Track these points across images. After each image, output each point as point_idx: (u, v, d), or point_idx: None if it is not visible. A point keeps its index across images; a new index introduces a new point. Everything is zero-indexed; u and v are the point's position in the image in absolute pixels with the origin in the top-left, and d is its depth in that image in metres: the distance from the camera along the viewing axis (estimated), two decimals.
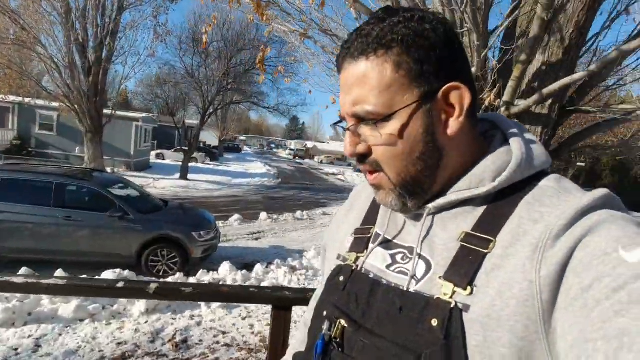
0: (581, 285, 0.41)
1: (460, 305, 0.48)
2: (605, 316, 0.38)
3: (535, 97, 2.13)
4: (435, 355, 0.47)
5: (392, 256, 0.59)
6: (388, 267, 0.58)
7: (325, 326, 0.58)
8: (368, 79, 0.52)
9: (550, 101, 2.25)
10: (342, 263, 0.65)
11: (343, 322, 0.57)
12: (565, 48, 2.14)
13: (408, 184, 0.56)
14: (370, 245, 0.63)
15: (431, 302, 0.50)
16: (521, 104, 2.20)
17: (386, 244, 0.61)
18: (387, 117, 0.52)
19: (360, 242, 0.65)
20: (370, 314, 0.55)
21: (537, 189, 0.52)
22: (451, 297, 0.49)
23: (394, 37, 0.51)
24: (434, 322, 0.48)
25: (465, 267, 0.50)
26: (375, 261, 0.61)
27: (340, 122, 0.60)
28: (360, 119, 0.54)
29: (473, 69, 2.32)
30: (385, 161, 0.55)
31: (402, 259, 0.58)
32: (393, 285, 0.56)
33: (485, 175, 0.54)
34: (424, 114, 0.53)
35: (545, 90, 2.08)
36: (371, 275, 0.59)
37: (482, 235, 0.51)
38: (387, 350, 0.51)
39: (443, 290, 0.50)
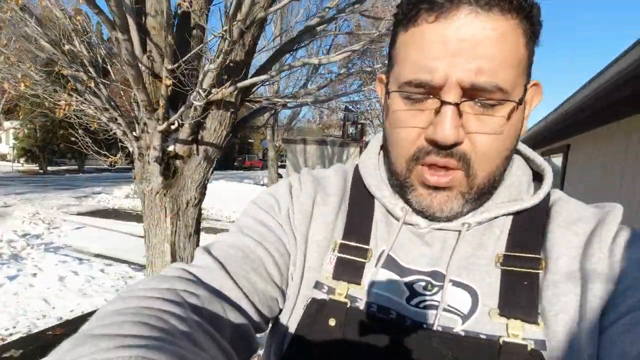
0: (617, 291, 0.40)
1: (532, 344, 0.40)
2: (633, 304, 0.38)
3: (231, 88, 2.72)
4: None
5: (409, 285, 0.46)
6: (408, 300, 0.46)
7: None
8: (505, 44, 0.39)
9: (236, 92, 2.93)
10: (326, 297, 0.48)
11: None
12: (246, 52, 2.85)
13: (489, 187, 0.46)
14: (373, 269, 0.48)
15: (496, 346, 0.41)
16: (220, 93, 2.72)
17: (397, 269, 0.48)
18: (516, 101, 0.41)
19: (352, 266, 0.48)
20: None
21: (556, 200, 0.49)
22: (523, 338, 0.41)
23: (530, 4, 0.40)
24: None
25: (524, 295, 0.42)
26: (390, 292, 0.46)
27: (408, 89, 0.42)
28: (473, 96, 0.40)
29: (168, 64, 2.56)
30: (483, 156, 0.42)
31: (426, 288, 0.46)
32: (425, 326, 0.44)
33: (522, 187, 0.49)
34: (522, 105, 0.43)
35: (240, 84, 2.71)
36: (392, 315, 0.45)
37: (526, 255, 0.44)
38: None
39: (510, 330, 0.41)
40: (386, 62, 0.52)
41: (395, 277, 0.47)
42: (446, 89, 0.40)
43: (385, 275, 0.47)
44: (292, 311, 0.50)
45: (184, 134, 2.87)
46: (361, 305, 0.46)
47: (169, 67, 2.44)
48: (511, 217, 0.48)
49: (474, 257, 0.46)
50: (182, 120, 2.74)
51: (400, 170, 0.47)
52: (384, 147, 0.51)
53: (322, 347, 0.44)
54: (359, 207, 0.52)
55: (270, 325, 0.53)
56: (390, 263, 0.48)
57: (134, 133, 2.96)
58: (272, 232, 0.51)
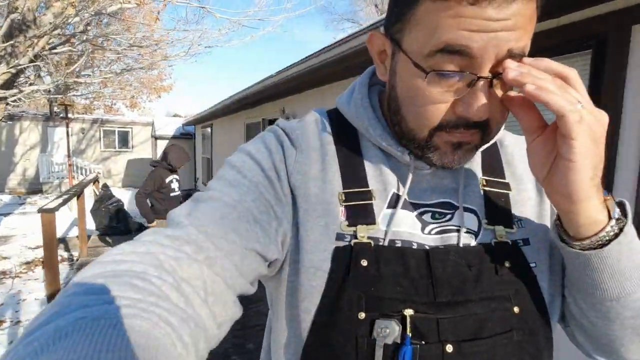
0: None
1: (517, 242, 0.52)
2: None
3: (15, 90, 2.35)
4: (519, 291, 0.49)
5: (419, 218, 0.52)
6: (422, 230, 0.52)
7: (384, 330, 0.46)
8: (531, 24, 0.42)
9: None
10: (349, 242, 0.50)
11: (409, 311, 0.46)
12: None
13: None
14: (388, 211, 0.52)
15: (493, 248, 0.51)
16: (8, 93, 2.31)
17: (407, 205, 0.53)
18: None
19: (363, 210, 0.52)
20: (429, 287, 0.48)
21: (502, 135, 0.60)
22: (507, 238, 0.52)
23: None
24: (507, 264, 0.50)
25: (503, 209, 0.54)
26: (408, 227, 0.51)
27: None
28: (499, 72, 0.43)
29: None
30: (499, 121, 0.48)
31: (434, 217, 0.53)
32: (442, 247, 0.50)
33: None
34: None
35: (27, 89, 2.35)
36: (414, 246, 0.50)
37: (498, 180, 0.56)
38: (481, 310, 0.47)
39: (498, 233, 0.52)
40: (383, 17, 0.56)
41: (408, 212, 0.52)
42: (483, 60, 0.41)
43: (399, 213, 0.51)
44: (301, 272, 0.50)
45: None
46: (385, 242, 0.49)
47: None
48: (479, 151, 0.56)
49: (470, 185, 0.55)
50: None
51: (422, 137, 0.49)
52: (390, 106, 0.52)
53: (361, 286, 0.47)
54: (349, 151, 0.55)
55: (273, 294, 0.56)
56: (401, 202, 0.52)
57: None
58: (256, 189, 0.50)
